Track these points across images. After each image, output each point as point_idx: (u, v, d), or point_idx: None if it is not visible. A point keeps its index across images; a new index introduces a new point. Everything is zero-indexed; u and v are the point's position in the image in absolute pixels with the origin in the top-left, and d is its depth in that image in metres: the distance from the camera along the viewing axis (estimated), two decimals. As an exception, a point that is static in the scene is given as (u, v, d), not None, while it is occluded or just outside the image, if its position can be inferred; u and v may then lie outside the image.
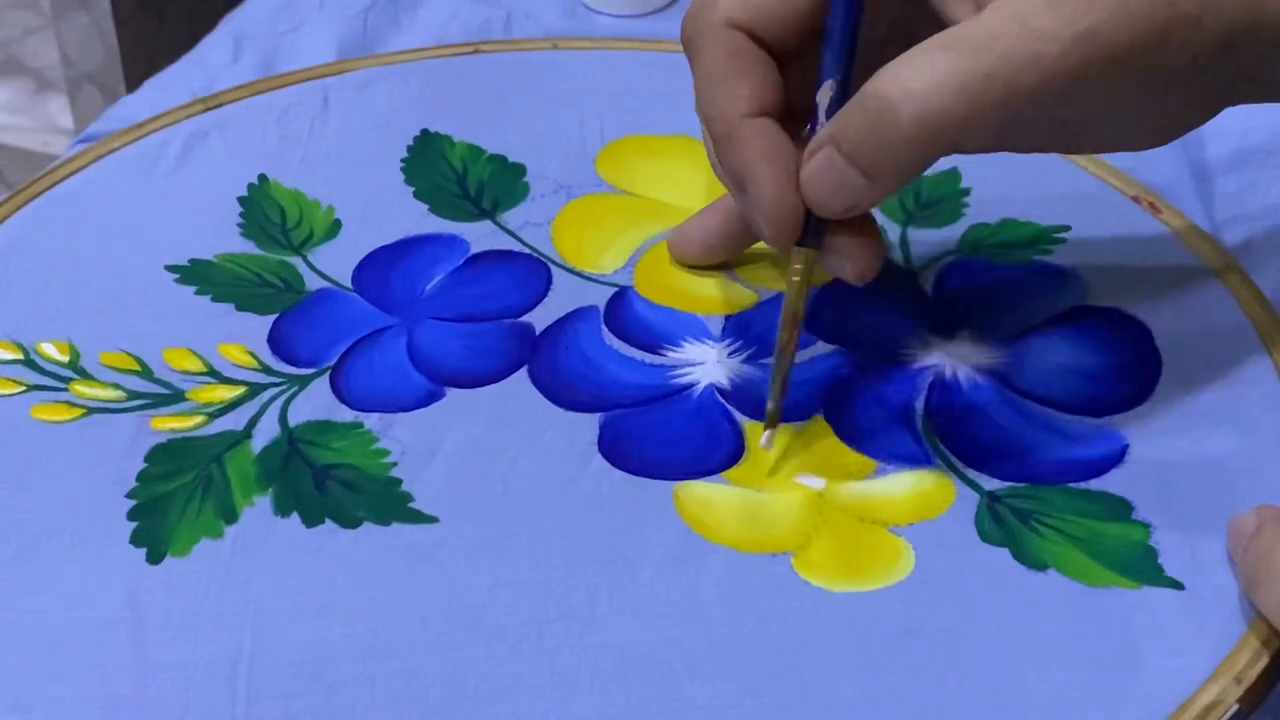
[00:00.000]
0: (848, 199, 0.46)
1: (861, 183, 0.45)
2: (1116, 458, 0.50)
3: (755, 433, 0.51)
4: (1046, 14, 0.42)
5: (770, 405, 0.49)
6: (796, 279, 0.49)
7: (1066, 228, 0.59)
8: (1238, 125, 0.65)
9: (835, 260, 0.49)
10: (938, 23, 0.47)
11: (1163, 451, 0.50)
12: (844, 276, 0.49)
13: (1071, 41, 0.42)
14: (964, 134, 0.43)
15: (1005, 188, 0.61)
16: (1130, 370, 0.53)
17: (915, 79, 0.43)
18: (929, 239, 0.58)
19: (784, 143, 0.47)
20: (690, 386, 0.52)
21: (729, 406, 0.52)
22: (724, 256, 0.57)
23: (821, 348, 0.54)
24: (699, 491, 0.49)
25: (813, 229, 0.48)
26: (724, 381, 0.53)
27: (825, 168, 0.46)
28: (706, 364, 0.53)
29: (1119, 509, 0.48)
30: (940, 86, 0.43)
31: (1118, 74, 0.43)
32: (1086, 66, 0.43)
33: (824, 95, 0.47)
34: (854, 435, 0.50)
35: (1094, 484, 0.49)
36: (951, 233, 0.59)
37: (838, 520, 0.48)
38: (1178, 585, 0.46)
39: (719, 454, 0.50)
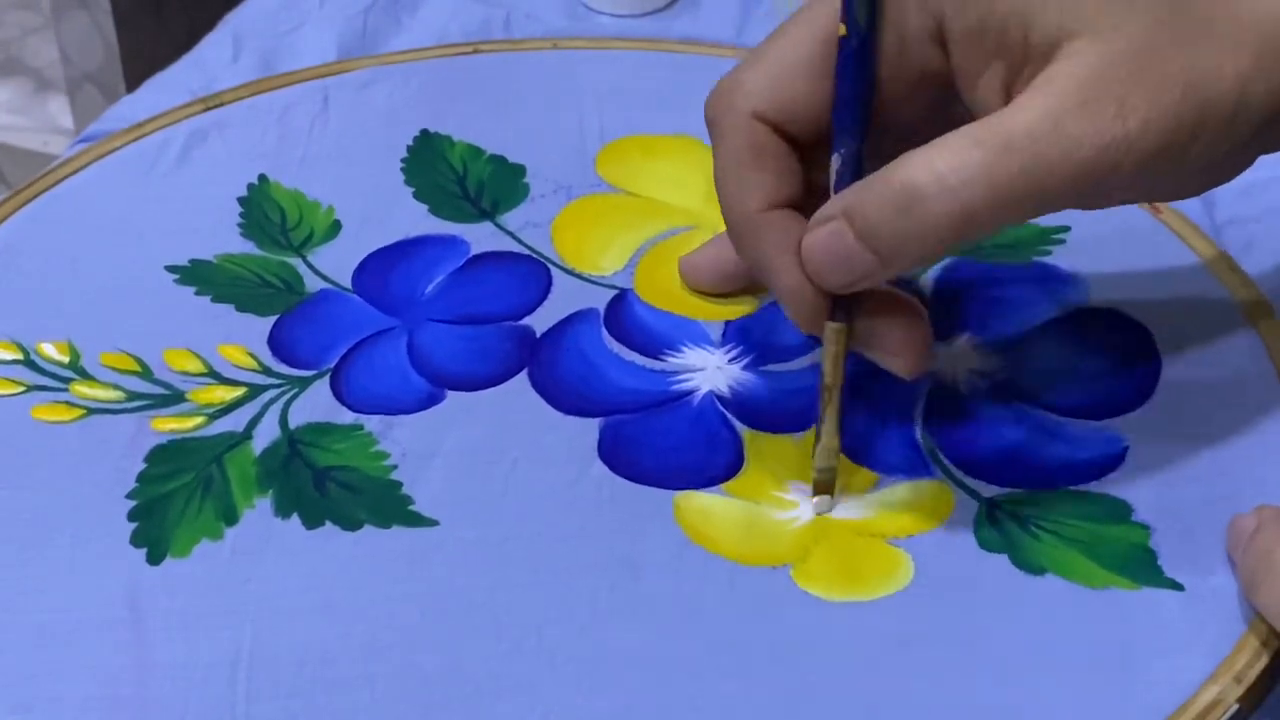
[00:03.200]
0: (850, 275, 0.45)
1: (870, 262, 0.44)
2: (1116, 460, 0.50)
3: (755, 442, 0.51)
4: (1079, 118, 0.42)
5: (816, 476, 0.48)
6: (831, 355, 0.47)
7: (1066, 228, 0.59)
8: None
9: (877, 354, 0.48)
10: (962, 112, 0.47)
11: (1162, 453, 0.50)
12: (890, 370, 0.48)
13: (1103, 148, 0.42)
14: (989, 227, 0.43)
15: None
16: (1130, 372, 0.53)
17: (949, 173, 0.42)
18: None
19: (800, 233, 0.46)
20: (690, 393, 0.52)
21: (728, 414, 0.52)
22: (737, 286, 0.56)
23: (819, 355, 0.54)
24: (699, 502, 0.49)
25: (843, 303, 0.47)
26: (724, 389, 0.53)
27: (833, 240, 0.44)
28: (706, 370, 0.53)
29: (1118, 511, 0.48)
30: (972, 183, 0.42)
31: (1149, 171, 0.43)
32: (1117, 168, 0.43)
33: (834, 167, 0.47)
34: (853, 447, 0.50)
35: (1093, 486, 0.49)
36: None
37: (836, 533, 0.48)
38: (1177, 586, 0.46)
39: (719, 463, 0.50)
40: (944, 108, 0.47)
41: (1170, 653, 0.44)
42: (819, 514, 0.48)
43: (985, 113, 0.44)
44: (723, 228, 0.58)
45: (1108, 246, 0.58)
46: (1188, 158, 0.44)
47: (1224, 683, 0.43)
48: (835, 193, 0.46)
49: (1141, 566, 0.47)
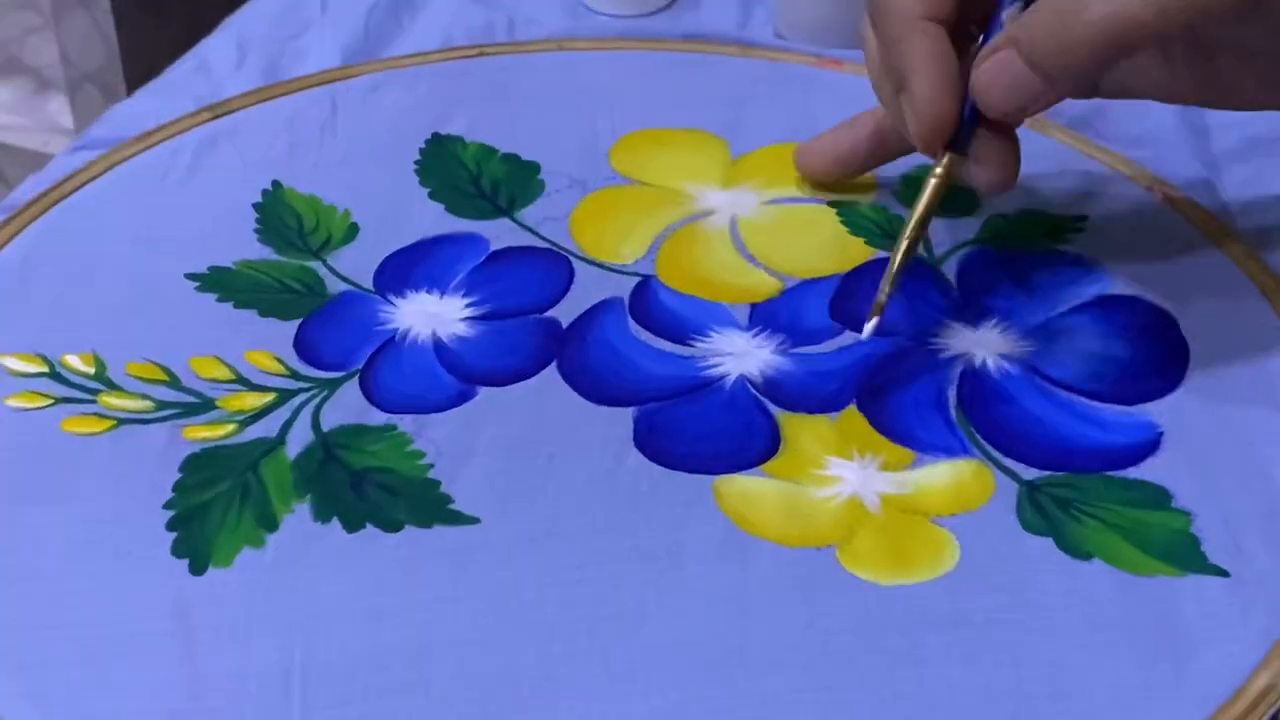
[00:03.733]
0: (1020, 99, 0.48)
1: (1036, 83, 0.47)
2: (1152, 446, 0.50)
3: (790, 424, 0.51)
4: None
5: (880, 297, 0.51)
6: (935, 180, 0.51)
7: (1084, 218, 0.59)
8: (1240, 115, 0.65)
9: (977, 169, 0.51)
10: None
11: (1197, 439, 0.50)
12: (980, 184, 0.51)
13: None
14: (1145, 44, 0.45)
15: (1020, 180, 0.60)
16: (1159, 358, 0.53)
17: None
18: (948, 229, 0.59)
19: (949, 49, 0.49)
20: (722, 378, 0.52)
21: (761, 398, 0.51)
22: (847, 173, 0.59)
23: (850, 337, 0.54)
24: (740, 485, 0.49)
25: (967, 134, 0.50)
26: (754, 372, 0.53)
27: (1003, 67, 0.47)
28: (736, 354, 0.53)
29: (1158, 497, 0.48)
30: None
31: None
32: None
33: (1009, 13, 0.49)
34: (889, 426, 0.51)
35: (1131, 472, 0.49)
36: (970, 224, 0.59)
37: (880, 511, 0.48)
38: (1223, 573, 0.46)
39: (756, 447, 0.50)
40: None
41: (1219, 641, 0.44)
42: (863, 337, 0.51)
43: None
44: (744, 212, 0.59)
45: (1125, 234, 0.58)
46: None
47: (1275, 670, 0.44)
48: (992, 26, 0.50)
49: (1186, 553, 0.47)
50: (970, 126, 0.50)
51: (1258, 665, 0.44)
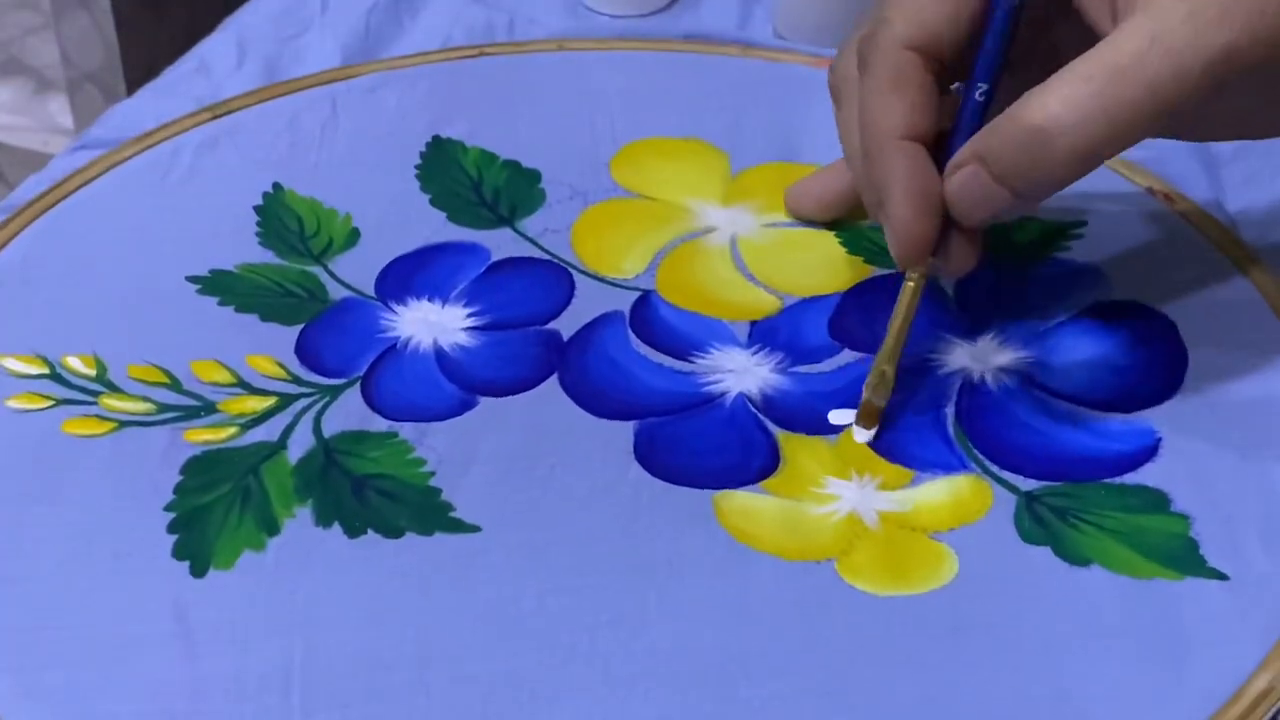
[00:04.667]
0: (991, 212, 0.48)
1: (1007, 198, 0.47)
2: (1150, 452, 0.50)
3: (789, 442, 0.51)
4: (1183, 32, 0.44)
5: (875, 402, 0.51)
6: (912, 285, 0.51)
7: (1084, 223, 0.59)
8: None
9: (937, 262, 0.51)
10: (1077, 23, 0.49)
11: (1196, 443, 0.50)
12: (944, 273, 0.52)
13: (1210, 61, 0.44)
14: (1113, 153, 0.46)
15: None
16: (1157, 364, 0.53)
17: (1066, 113, 0.45)
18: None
19: (928, 171, 0.49)
20: (722, 395, 0.52)
21: (761, 416, 0.52)
22: (839, 212, 0.59)
23: (848, 356, 0.54)
24: (739, 501, 0.49)
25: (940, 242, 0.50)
26: (754, 390, 0.53)
27: (971, 183, 0.48)
28: (736, 371, 0.53)
29: (1157, 502, 0.49)
30: (1090, 117, 0.45)
31: (1258, 78, 0.45)
32: (1227, 78, 0.44)
33: (966, 101, 0.50)
34: (888, 447, 0.51)
35: (1129, 478, 0.50)
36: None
37: (878, 528, 0.48)
38: (1221, 576, 0.46)
39: (755, 464, 0.50)
40: (1046, 31, 0.50)
41: (1218, 642, 0.45)
42: (860, 442, 0.51)
43: (1097, 30, 0.47)
44: (743, 232, 0.59)
45: (1125, 240, 0.59)
46: None
47: (1275, 671, 0.44)
48: (959, 129, 0.50)
49: (1184, 556, 0.47)
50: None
51: (1257, 667, 0.44)
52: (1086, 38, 0.47)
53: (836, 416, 0.52)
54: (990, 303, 0.56)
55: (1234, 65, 0.44)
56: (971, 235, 0.50)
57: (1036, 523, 0.48)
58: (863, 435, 0.51)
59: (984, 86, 0.50)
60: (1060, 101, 0.45)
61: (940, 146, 0.50)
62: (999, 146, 0.47)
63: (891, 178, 0.49)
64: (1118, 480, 0.49)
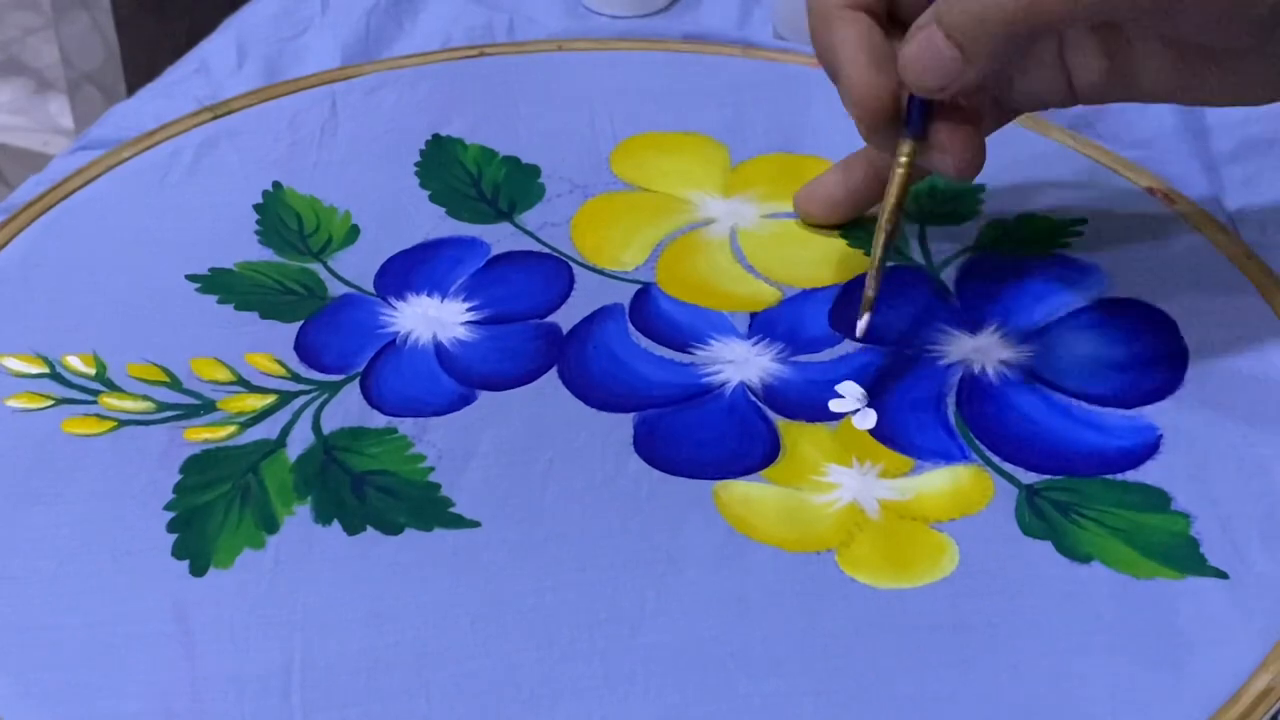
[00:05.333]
0: (942, 77, 0.48)
1: (957, 60, 0.47)
2: (1151, 449, 0.50)
3: (789, 430, 0.51)
4: None
5: (868, 292, 0.51)
6: (900, 169, 0.50)
7: (1084, 221, 0.59)
8: (1238, 115, 0.66)
9: (936, 155, 0.51)
10: None
11: (1196, 441, 0.50)
12: (945, 171, 0.51)
13: None
14: (1059, 16, 0.45)
15: (1019, 183, 0.61)
16: (1158, 361, 0.53)
17: None
18: (947, 236, 0.59)
19: (875, 34, 0.50)
20: (722, 385, 0.52)
21: (761, 405, 0.52)
22: (847, 214, 0.59)
23: (849, 346, 0.54)
24: (740, 490, 0.49)
25: (918, 116, 0.50)
26: (754, 380, 0.53)
27: (924, 45, 0.47)
28: (735, 362, 0.53)
29: (1158, 500, 0.48)
30: None
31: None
32: None
33: None
34: (889, 434, 0.51)
35: (1130, 475, 0.49)
36: (969, 229, 0.59)
37: (879, 517, 0.48)
38: (1222, 575, 0.46)
39: (756, 453, 0.50)
40: None
41: (1219, 642, 0.45)
42: (858, 335, 0.52)
43: None
44: (743, 224, 0.59)
45: (1125, 238, 0.59)
46: (1251, 9, 0.44)
47: (1275, 671, 0.44)
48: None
49: (1185, 555, 0.47)
50: (921, 110, 0.50)
51: (1257, 666, 0.44)
52: None
53: (836, 405, 0.52)
54: (991, 297, 0.56)
55: None
56: (969, 128, 0.50)
57: (1038, 517, 0.48)
58: (865, 420, 0.51)
59: None
60: None
61: (894, 21, 0.51)
62: (955, 2, 0.46)
63: (839, 43, 0.50)
64: (1119, 477, 0.49)
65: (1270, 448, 0.50)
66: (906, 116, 0.50)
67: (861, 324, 0.51)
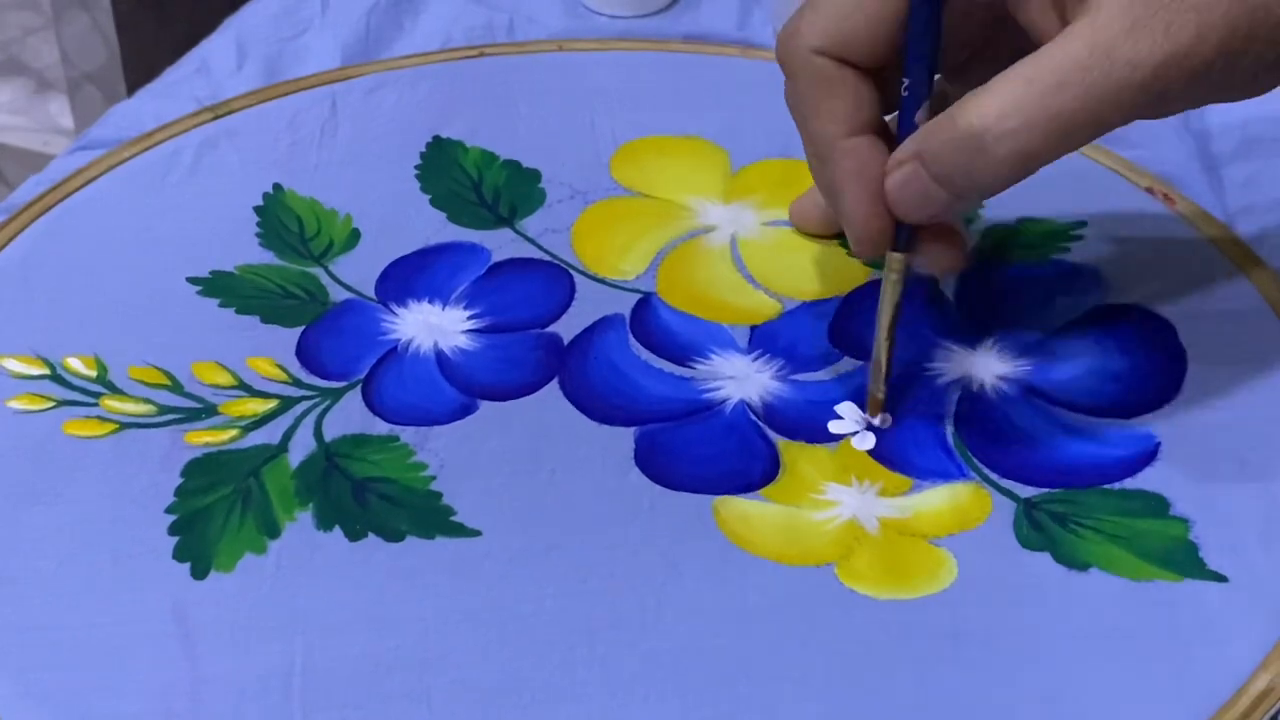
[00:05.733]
0: (931, 211, 0.48)
1: (946, 199, 0.47)
2: (1149, 456, 0.50)
3: (789, 450, 0.51)
4: (1128, 43, 0.43)
5: (877, 395, 0.51)
6: (893, 281, 0.50)
7: (1084, 224, 0.59)
8: (1238, 116, 0.66)
9: (921, 260, 0.51)
10: (1012, 36, 0.48)
11: (1195, 447, 0.51)
12: (930, 272, 0.52)
13: (1155, 68, 0.43)
14: (1051, 159, 0.45)
15: (1019, 185, 0.61)
16: (1157, 368, 0.53)
17: (1007, 116, 0.44)
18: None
19: (875, 161, 0.49)
20: (722, 402, 0.52)
21: (761, 424, 0.52)
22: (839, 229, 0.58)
23: (848, 365, 0.54)
24: (739, 507, 0.49)
25: (905, 234, 0.49)
26: (754, 398, 0.53)
27: (911, 182, 0.47)
28: (736, 378, 0.53)
29: (1156, 506, 0.49)
30: (1031, 123, 0.44)
31: (1204, 82, 0.44)
32: (1171, 84, 0.44)
33: (920, 114, 0.49)
34: (888, 455, 0.51)
35: (1129, 483, 0.50)
36: (969, 235, 0.59)
37: (878, 533, 0.48)
38: (1221, 578, 0.47)
39: (755, 471, 0.50)
40: (996, 32, 0.50)
41: (1218, 643, 0.45)
42: (862, 449, 0.51)
43: (1039, 35, 0.46)
44: (743, 232, 0.59)
45: (1124, 240, 0.59)
46: (1240, 67, 0.44)
47: (1274, 671, 0.44)
48: (901, 125, 0.49)
49: (1184, 559, 0.47)
50: (909, 228, 0.49)
51: (1257, 667, 0.44)
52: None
53: (836, 426, 0.52)
54: (989, 309, 0.56)
55: (1178, 74, 0.44)
56: (950, 232, 0.50)
57: (1035, 529, 0.48)
58: (864, 442, 0.51)
59: (907, 83, 0.49)
60: (1001, 104, 0.44)
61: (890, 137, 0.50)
62: (938, 146, 0.46)
63: (839, 178, 0.49)
64: (1118, 485, 0.49)
65: (1269, 451, 0.50)
66: (895, 236, 0.50)
67: (879, 420, 0.52)
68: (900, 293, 0.50)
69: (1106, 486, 0.49)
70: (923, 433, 0.51)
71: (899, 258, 0.50)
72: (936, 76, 0.49)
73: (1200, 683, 0.44)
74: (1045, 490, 0.49)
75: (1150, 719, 0.43)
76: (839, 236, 0.59)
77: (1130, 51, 0.43)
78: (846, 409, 0.52)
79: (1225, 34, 0.44)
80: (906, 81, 0.49)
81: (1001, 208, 0.60)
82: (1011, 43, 0.47)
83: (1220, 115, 0.66)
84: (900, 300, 0.50)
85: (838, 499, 0.49)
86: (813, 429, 0.52)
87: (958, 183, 0.46)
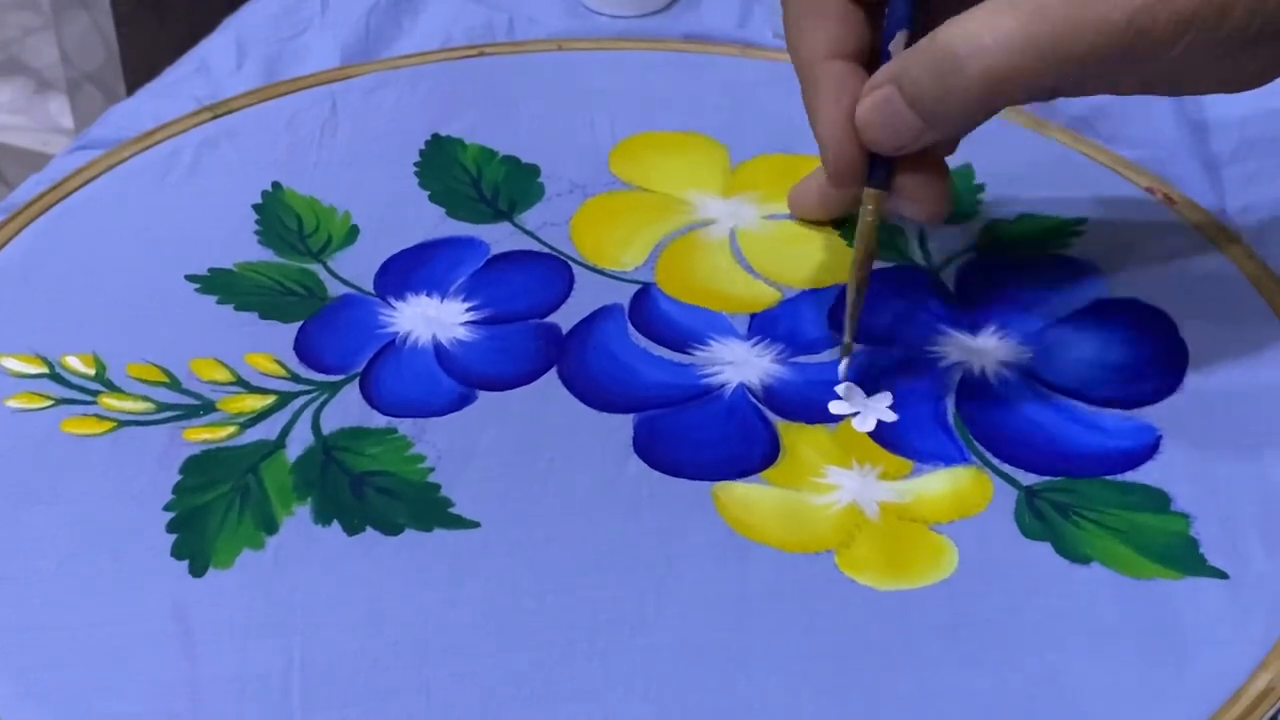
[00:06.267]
0: (900, 138, 0.48)
1: (917, 124, 0.47)
2: (1150, 449, 0.50)
3: (789, 433, 0.51)
4: None
5: (846, 338, 0.51)
6: (868, 219, 0.50)
7: (1084, 221, 0.59)
8: (1237, 115, 0.66)
9: (903, 203, 0.50)
10: None
11: (1196, 442, 0.50)
12: (913, 218, 0.51)
13: (1136, 10, 0.43)
14: (1024, 91, 0.45)
15: (1019, 182, 0.61)
16: (1157, 362, 0.53)
17: (984, 35, 0.44)
18: (947, 236, 0.59)
19: (854, 86, 0.49)
20: (721, 387, 0.52)
21: (761, 406, 0.52)
22: (840, 210, 0.59)
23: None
24: (739, 492, 0.49)
25: (881, 169, 0.49)
26: (754, 381, 0.53)
27: (882, 105, 0.47)
28: (735, 363, 0.53)
29: (1157, 500, 0.49)
30: (1007, 47, 0.44)
31: (1183, 39, 0.44)
32: (1151, 33, 0.44)
33: (896, 44, 0.49)
34: (888, 437, 0.51)
35: (1130, 476, 0.49)
36: (969, 229, 0.59)
37: (878, 519, 0.48)
38: (1221, 575, 0.46)
39: (755, 455, 0.50)
40: None
41: (1218, 642, 0.45)
42: (841, 380, 0.52)
43: None
44: (743, 225, 0.59)
45: (1124, 238, 0.59)
46: (1223, 27, 0.44)
47: (1275, 671, 0.44)
48: (882, 54, 0.49)
49: (1184, 556, 0.47)
50: (884, 163, 0.49)
51: (1257, 666, 0.44)
52: None
53: (836, 407, 0.52)
54: (990, 299, 0.56)
55: (1159, 21, 0.43)
56: (932, 173, 0.50)
57: (1037, 518, 0.48)
58: (865, 424, 0.51)
59: (904, 28, 0.49)
60: (979, 25, 0.44)
61: (874, 65, 0.50)
62: (914, 68, 0.46)
63: (816, 97, 0.49)
64: (1119, 478, 0.49)
65: (1269, 448, 0.50)
66: (869, 170, 0.50)
67: (843, 367, 0.52)
68: (874, 235, 0.50)
69: (1108, 478, 0.49)
70: (923, 414, 0.51)
71: (874, 194, 0.50)
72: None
73: (1200, 682, 0.44)
74: (1046, 478, 0.49)
75: (1150, 718, 0.43)
76: (836, 222, 0.59)
77: None
78: (847, 390, 0.52)
79: None
80: (895, 29, 0.49)
81: (1002, 205, 0.60)
82: None
83: (1219, 113, 0.66)
84: (874, 243, 0.50)
85: (838, 483, 0.49)
86: (813, 410, 0.51)
87: (928, 105, 0.46)
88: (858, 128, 0.48)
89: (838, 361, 0.53)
